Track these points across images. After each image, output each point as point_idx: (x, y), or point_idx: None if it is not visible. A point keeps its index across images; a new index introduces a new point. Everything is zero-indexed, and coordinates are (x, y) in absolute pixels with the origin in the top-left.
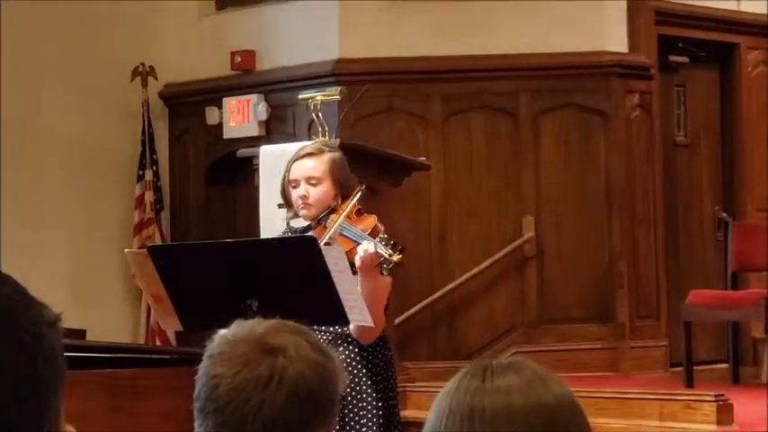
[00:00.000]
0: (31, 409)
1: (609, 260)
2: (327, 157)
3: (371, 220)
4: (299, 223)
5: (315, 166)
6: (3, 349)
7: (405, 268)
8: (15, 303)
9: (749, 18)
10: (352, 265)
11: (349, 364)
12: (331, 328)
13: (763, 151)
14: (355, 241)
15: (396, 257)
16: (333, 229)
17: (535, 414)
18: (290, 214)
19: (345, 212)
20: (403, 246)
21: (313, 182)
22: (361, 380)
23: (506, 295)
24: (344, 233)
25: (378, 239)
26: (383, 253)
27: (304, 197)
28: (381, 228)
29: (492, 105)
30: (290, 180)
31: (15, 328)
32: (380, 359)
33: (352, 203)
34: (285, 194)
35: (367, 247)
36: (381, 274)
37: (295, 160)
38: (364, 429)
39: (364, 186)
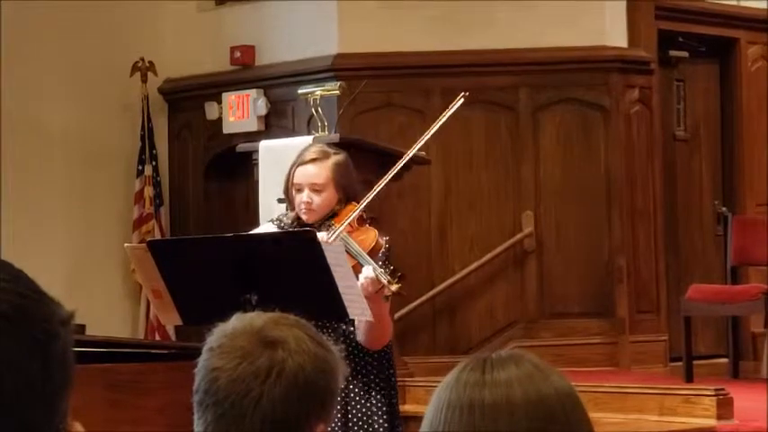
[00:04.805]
0: (43, 408)
1: (608, 255)
2: (331, 162)
3: (372, 235)
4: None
5: (318, 173)
6: (16, 348)
7: (405, 264)
8: (30, 301)
9: (749, 13)
10: None
11: (356, 356)
12: (339, 327)
13: (762, 146)
14: (353, 257)
15: (394, 287)
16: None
17: (535, 407)
18: (293, 214)
19: (347, 222)
20: (402, 273)
21: (317, 188)
22: (368, 377)
23: (506, 290)
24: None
25: (379, 256)
26: (382, 280)
27: (308, 203)
28: (383, 243)
29: (491, 100)
30: (294, 184)
31: (30, 327)
32: (384, 357)
33: (353, 216)
34: (288, 197)
35: (368, 273)
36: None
37: (299, 165)
38: (373, 428)
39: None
